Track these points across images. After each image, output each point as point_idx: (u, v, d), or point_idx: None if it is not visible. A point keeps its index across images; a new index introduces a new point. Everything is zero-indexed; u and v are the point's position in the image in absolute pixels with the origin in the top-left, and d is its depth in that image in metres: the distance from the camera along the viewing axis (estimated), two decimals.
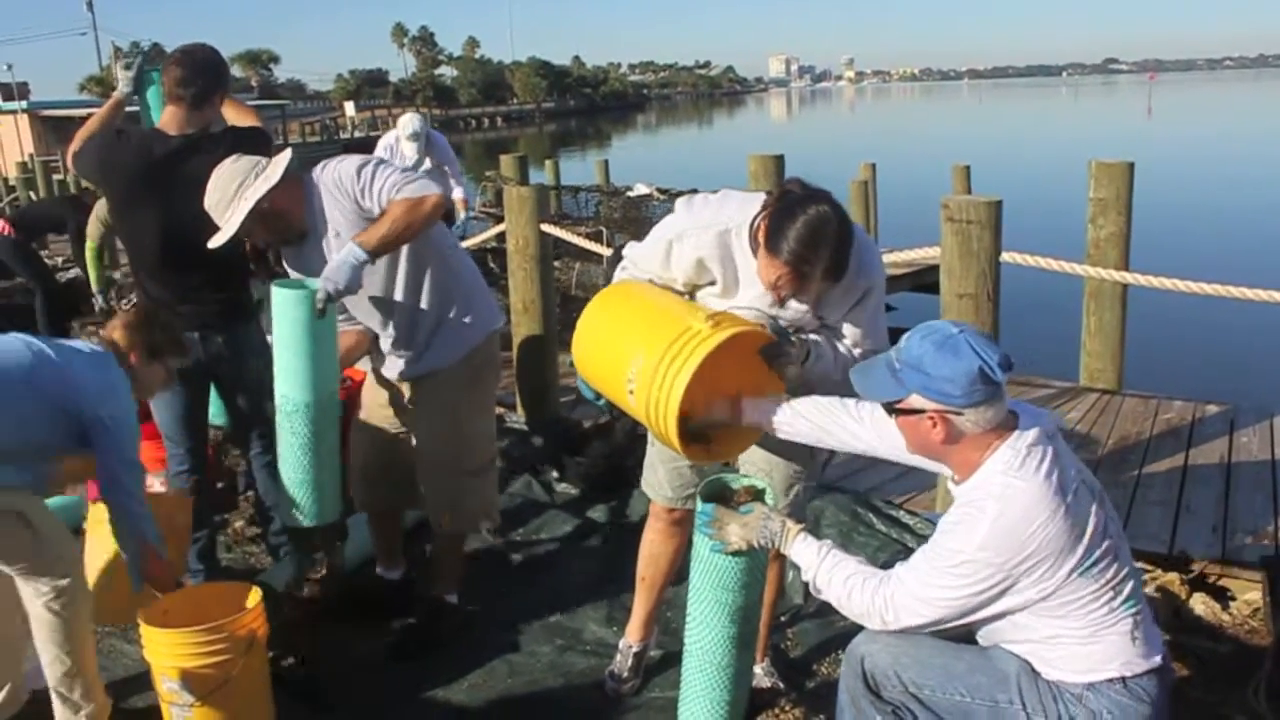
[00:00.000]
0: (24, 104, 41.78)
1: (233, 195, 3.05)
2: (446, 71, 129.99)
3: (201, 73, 3.47)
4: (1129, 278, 4.81)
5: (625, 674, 3.23)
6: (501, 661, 3.39)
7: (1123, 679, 2.12)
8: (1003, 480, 2.09)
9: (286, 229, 3.16)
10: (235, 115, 3.72)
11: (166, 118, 3.50)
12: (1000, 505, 2.06)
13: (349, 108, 72.67)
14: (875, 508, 4.14)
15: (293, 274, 3.30)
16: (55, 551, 2.85)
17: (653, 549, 3.15)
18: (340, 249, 3.07)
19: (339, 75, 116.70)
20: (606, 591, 3.78)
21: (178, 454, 3.71)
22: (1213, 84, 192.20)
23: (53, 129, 39.09)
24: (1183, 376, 8.05)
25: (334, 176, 3.09)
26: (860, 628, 2.34)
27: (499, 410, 3.92)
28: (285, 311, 3.09)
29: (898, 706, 2.30)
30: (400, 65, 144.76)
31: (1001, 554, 2.05)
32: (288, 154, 3.15)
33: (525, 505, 4.59)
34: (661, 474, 3.04)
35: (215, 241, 3.10)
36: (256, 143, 3.61)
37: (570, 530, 4.39)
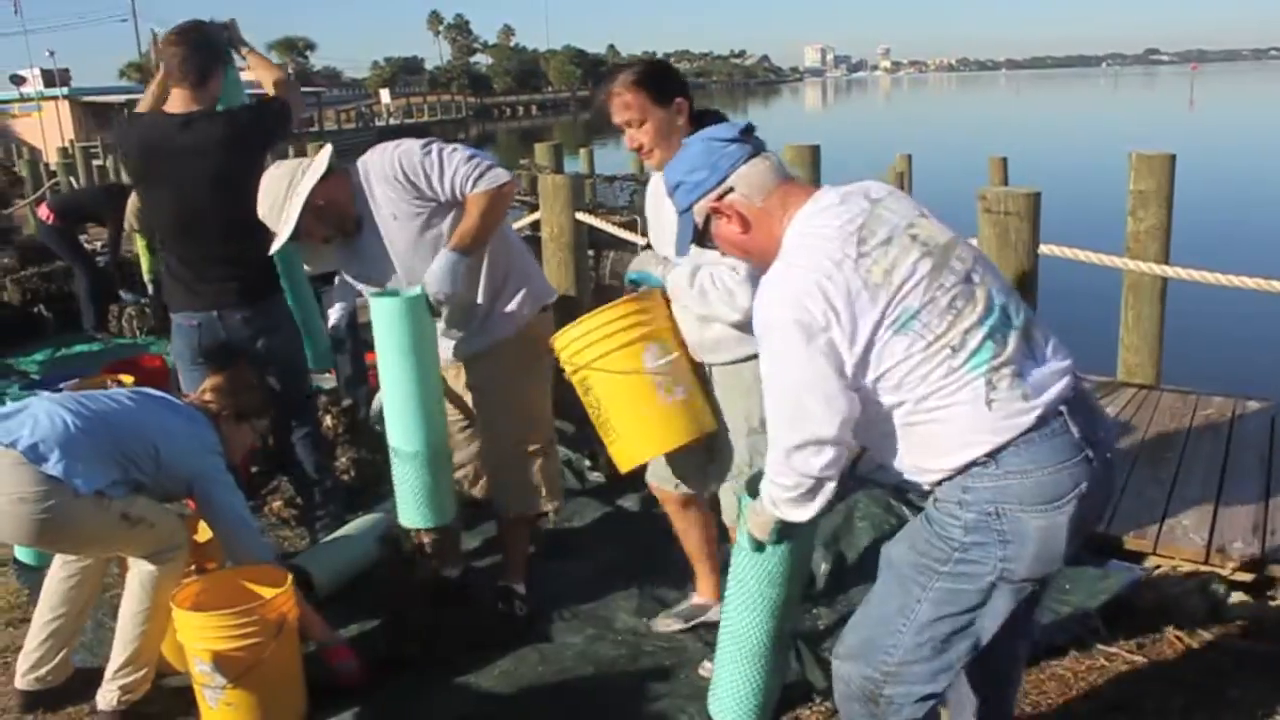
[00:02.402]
0: (65, 90, 42.25)
1: (284, 195, 3.09)
2: (481, 59, 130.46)
3: (197, 52, 3.55)
4: (1169, 271, 4.76)
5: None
6: (532, 649, 3.40)
7: (990, 456, 1.95)
8: (790, 241, 2.05)
9: (342, 220, 3.18)
10: (260, 68, 3.89)
11: (172, 100, 3.57)
12: (787, 260, 2.02)
13: (384, 95, 72.93)
14: (909, 501, 4.10)
15: (349, 278, 3.36)
16: (168, 529, 2.99)
17: (678, 528, 3.39)
18: (400, 234, 3.13)
19: (374, 63, 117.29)
20: (637, 580, 3.78)
21: None
22: (1258, 74, 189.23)
23: (93, 115, 39.54)
24: (1223, 372, 7.94)
25: (392, 160, 3.08)
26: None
27: None
28: (393, 318, 3.07)
29: (890, 697, 2.17)
30: (435, 53, 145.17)
31: (799, 310, 1.94)
32: (329, 149, 3.20)
33: None
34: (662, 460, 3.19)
35: (275, 245, 3.16)
36: (264, 114, 3.67)
37: (602, 518, 4.39)
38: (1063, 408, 1.98)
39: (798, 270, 1.98)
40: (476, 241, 3.08)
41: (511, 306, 3.33)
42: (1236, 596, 3.51)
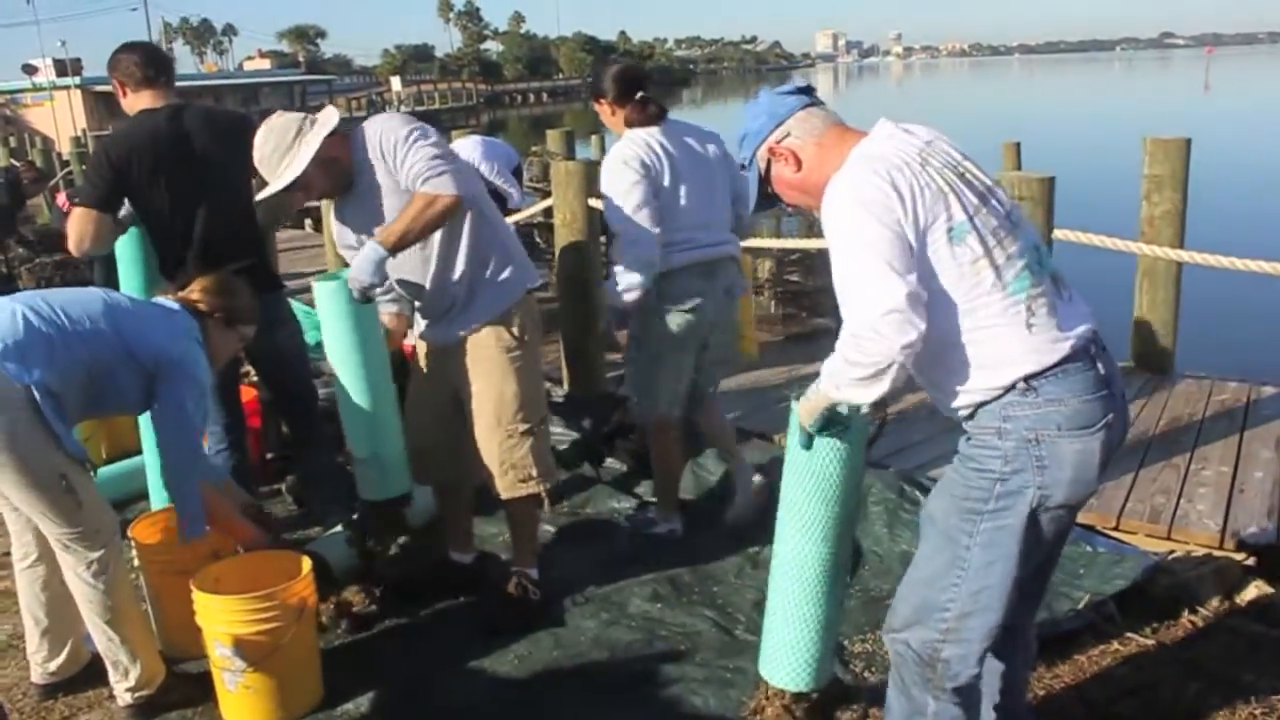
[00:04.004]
0: (77, 80, 42.38)
1: (290, 143, 3.08)
2: (492, 46, 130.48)
3: (160, 58, 3.78)
4: (1184, 256, 4.73)
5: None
6: (547, 634, 3.41)
7: (1030, 383, 2.06)
8: (855, 154, 2.17)
9: (342, 175, 3.19)
10: None
11: (147, 99, 3.67)
12: (855, 160, 2.14)
13: (395, 83, 73.04)
14: (921, 485, 4.11)
15: (339, 227, 3.36)
16: (93, 523, 2.88)
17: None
18: (386, 199, 3.15)
19: (385, 50, 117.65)
20: (652, 566, 3.79)
21: (215, 431, 3.74)
22: (1274, 58, 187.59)
23: (105, 104, 39.66)
24: (1238, 357, 7.91)
25: (378, 132, 3.12)
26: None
27: (546, 385, 3.91)
28: (327, 301, 3.24)
29: (948, 660, 2.22)
30: (446, 40, 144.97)
31: (869, 189, 2.06)
32: (334, 110, 3.22)
33: (572, 480, 4.61)
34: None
35: (270, 190, 3.14)
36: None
37: (616, 505, 4.40)
38: (1091, 347, 2.13)
39: (867, 162, 2.12)
40: (401, 242, 3.06)
41: (494, 291, 3.31)
42: (1251, 582, 3.50)
